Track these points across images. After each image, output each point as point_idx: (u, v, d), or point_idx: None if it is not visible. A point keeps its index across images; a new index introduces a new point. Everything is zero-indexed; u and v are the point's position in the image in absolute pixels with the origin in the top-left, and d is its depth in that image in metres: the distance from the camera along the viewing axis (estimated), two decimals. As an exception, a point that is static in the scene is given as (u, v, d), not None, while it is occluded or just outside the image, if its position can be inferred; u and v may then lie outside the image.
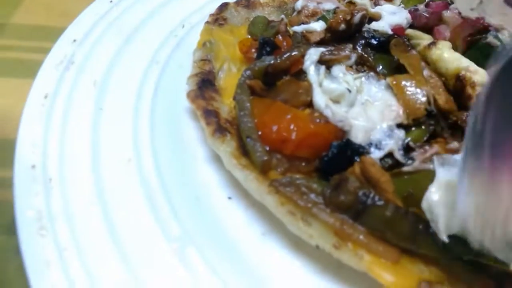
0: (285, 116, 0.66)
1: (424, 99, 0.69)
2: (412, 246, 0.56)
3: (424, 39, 0.82)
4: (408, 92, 0.70)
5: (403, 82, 0.71)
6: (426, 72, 0.72)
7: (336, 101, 0.72)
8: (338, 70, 0.76)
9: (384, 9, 0.87)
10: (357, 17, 0.82)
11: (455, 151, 0.62)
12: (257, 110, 0.70)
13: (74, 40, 0.86)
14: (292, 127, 0.66)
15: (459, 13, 0.79)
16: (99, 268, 0.55)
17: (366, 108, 0.71)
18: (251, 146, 0.66)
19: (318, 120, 0.68)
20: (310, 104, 0.71)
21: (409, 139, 0.67)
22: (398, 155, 0.65)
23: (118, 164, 0.67)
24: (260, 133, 0.67)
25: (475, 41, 0.75)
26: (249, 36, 0.87)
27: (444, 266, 0.56)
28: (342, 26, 0.81)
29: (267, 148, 0.66)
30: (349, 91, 0.72)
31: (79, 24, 0.89)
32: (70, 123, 0.72)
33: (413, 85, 0.71)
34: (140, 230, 0.60)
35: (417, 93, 0.70)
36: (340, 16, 0.80)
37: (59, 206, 0.60)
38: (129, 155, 0.69)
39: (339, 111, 0.69)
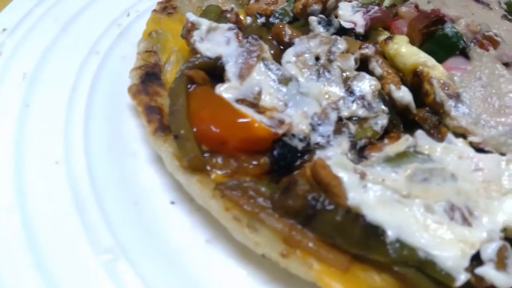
0: (227, 112, 0.61)
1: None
2: (363, 252, 0.54)
3: (383, 35, 0.79)
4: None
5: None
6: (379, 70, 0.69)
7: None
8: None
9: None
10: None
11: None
12: (196, 103, 0.64)
13: (4, 29, 0.78)
14: (234, 123, 0.61)
15: (416, 7, 0.76)
16: (14, 283, 0.49)
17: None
18: (178, 144, 0.61)
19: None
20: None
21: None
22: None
23: (44, 167, 0.61)
24: (195, 129, 0.61)
25: (431, 32, 0.72)
26: (200, 27, 0.81)
27: (397, 274, 0.53)
28: (316, 7, 0.77)
29: (206, 147, 0.61)
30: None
31: (11, 11, 0.81)
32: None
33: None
34: (64, 241, 0.55)
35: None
36: None
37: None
38: (58, 156, 0.63)
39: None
